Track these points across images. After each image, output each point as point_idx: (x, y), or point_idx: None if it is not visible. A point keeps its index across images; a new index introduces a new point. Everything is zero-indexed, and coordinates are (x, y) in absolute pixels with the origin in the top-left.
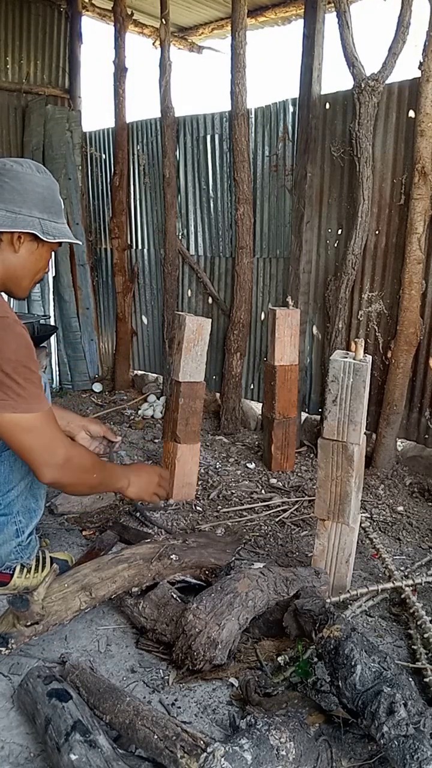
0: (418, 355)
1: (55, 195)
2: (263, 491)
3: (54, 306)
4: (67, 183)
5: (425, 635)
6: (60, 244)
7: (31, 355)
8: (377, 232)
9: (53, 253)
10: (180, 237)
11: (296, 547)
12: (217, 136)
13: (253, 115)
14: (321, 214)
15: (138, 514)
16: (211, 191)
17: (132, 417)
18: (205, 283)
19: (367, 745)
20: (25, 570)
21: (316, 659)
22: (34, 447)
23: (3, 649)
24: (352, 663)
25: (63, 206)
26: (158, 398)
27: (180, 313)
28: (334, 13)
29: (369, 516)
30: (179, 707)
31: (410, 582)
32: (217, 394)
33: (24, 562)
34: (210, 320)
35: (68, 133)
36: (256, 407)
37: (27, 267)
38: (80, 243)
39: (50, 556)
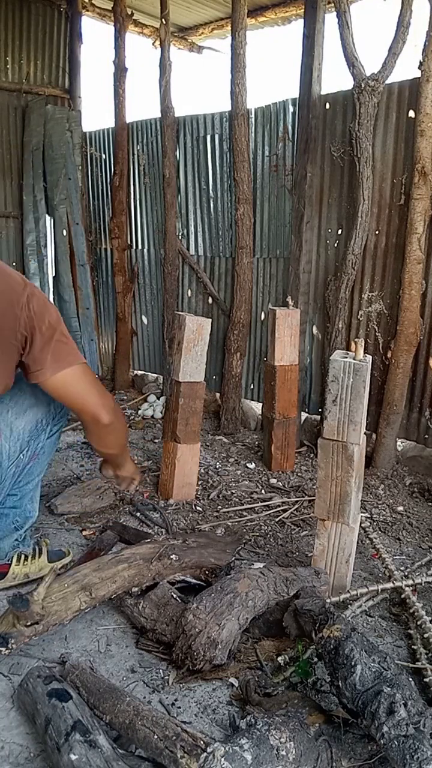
0: (418, 355)
1: None
2: (263, 491)
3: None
4: (67, 183)
5: (425, 635)
6: None
7: (59, 314)
8: (377, 232)
9: (54, 253)
10: (180, 237)
11: (296, 547)
12: (217, 136)
13: (253, 115)
14: (321, 214)
15: (138, 514)
16: (211, 191)
17: (132, 417)
18: (205, 283)
19: (367, 745)
20: (23, 557)
21: (316, 659)
22: (92, 391)
23: (3, 649)
24: (352, 663)
25: None
26: (158, 398)
27: (180, 313)
28: (334, 13)
29: (369, 516)
30: (179, 707)
31: (410, 582)
32: (217, 394)
33: (23, 550)
34: (210, 320)
35: (68, 133)
36: (256, 407)
37: None
38: None
39: (47, 549)
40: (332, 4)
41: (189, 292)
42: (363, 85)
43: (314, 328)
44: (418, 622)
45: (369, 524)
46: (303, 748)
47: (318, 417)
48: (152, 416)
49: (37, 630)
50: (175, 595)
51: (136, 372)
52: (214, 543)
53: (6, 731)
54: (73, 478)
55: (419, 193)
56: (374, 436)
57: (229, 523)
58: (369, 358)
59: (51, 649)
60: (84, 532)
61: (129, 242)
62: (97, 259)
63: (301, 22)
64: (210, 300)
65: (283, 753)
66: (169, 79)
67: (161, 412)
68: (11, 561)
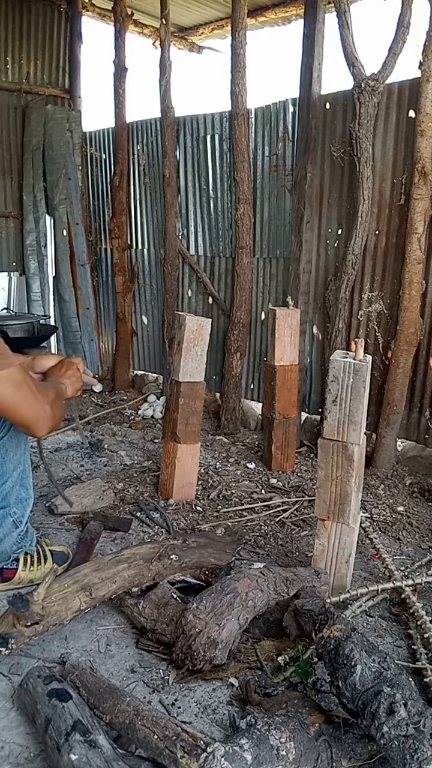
0: (418, 355)
1: None
2: (263, 491)
3: (54, 306)
4: (67, 183)
5: (425, 635)
6: None
7: None
8: (377, 232)
9: (54, 253)
10: (180, 237)
11: (296, 547)
12: (217, 136)
13: (253, 115)
14: (321, 214)
15: (139, 514)
16: (211, 191)
17: (132, 417)
18: (205, 283)
19: (367, 745)
20: (29, 562)
21: (316, 659)
22: (26, 400)
23: (3, 649)
24: (352, 663)
25: None
26: (158, 398)
27: (180, 313)
28: (334, 13)
29: (369, 516)
30: (179, 707)
31: (410, 582)
32: (217, 394)
33: (28, 550)
34: (210, 320)
35: (68, 133)
36: (256, 407)
37: None
38: None
39: (49, 550)
40: (332, 4)
41: (189, 292)
42: (363, 85)
43: (314, 328)
44: (418, 622)
45: (369, 524)
46: (303, 748)
47: (318, 417)
48: (152, 416)
49: (37, 630)
50: (175, 595)
51: (136, 372)
52: (214, 543)
53: (6, 731)
54: (73, 478)
55: (419, 193)
56: (374, 436)
57: (229, 523)
58: (369, 358)
59: (51, 649)
60: None
61: (129, 242)
62: (97, 259)
63: (301, 22)
64: (210, 300)
65: (283, 753)
66: (169, 79)
67: (161, 412)
68: (17, 565)
